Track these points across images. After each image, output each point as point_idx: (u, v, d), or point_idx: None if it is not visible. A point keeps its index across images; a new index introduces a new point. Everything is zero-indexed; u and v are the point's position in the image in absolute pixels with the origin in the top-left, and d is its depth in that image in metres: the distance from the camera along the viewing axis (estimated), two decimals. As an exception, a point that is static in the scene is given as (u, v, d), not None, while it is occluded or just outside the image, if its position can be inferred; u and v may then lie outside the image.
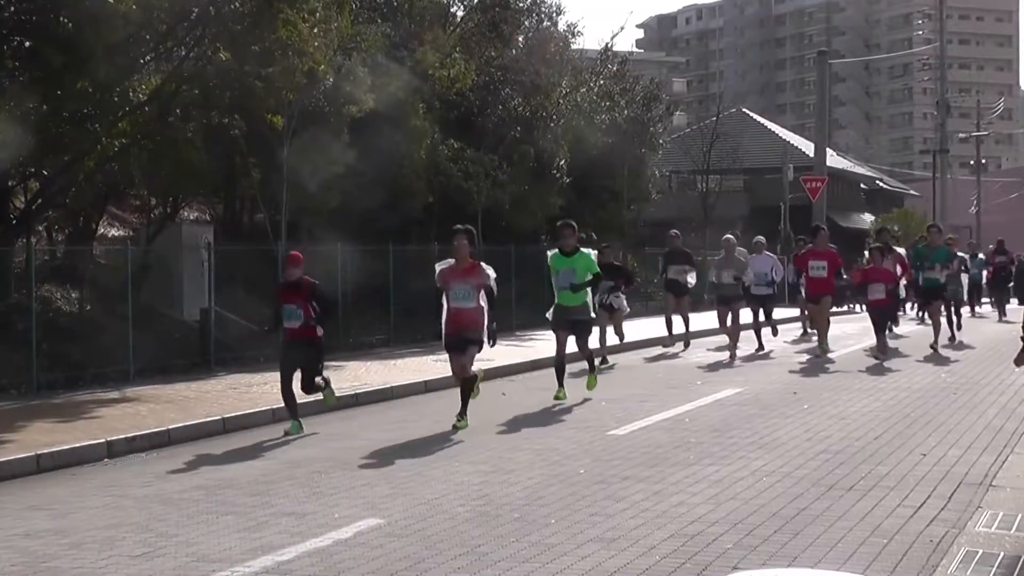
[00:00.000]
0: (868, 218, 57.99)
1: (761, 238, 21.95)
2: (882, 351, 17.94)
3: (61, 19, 15.27)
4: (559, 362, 14.12)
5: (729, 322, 19.73)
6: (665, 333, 21.67)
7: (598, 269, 14.18)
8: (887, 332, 18.94)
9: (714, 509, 7.88)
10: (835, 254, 19.70)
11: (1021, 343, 8.97)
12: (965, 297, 24.86)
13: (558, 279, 13.95)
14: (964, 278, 23.03)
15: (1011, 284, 33.21)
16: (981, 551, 6.64)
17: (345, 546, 7.10)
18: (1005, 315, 29.54)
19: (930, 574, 6.32)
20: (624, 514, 7.78)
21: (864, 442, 10.56)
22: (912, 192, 72.00)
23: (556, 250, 14.20)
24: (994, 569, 6.34)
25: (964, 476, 8.92)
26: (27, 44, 15.94)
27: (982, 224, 60.86)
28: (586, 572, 6.43)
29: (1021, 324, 9.15)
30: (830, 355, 19.02)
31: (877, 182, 67.30)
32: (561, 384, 13.96)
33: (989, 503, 7.95)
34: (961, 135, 72.90)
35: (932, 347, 19.42)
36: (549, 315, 14.41)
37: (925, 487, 8.54)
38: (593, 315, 14.78)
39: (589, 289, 14.13)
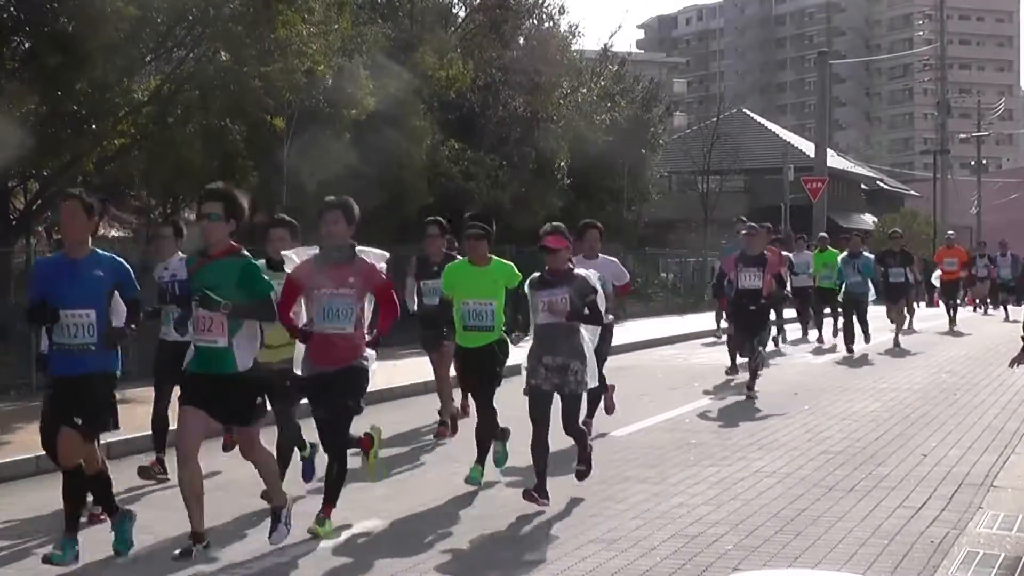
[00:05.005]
0: (869, 219, 57.97)
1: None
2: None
3: (60, 19, 15.24)
4: None
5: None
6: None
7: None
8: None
9: (715, 510, 7.87)
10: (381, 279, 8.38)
11: (1023, 343, 8.95)
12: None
13: None
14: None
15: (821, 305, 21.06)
16: (982, 552, 6.63)
17: (345, 547, 7.08)
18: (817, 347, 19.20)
19: (931, 575, 6.30)
20: (625, 515, 7.77)
21: (865, 443, 10.55)
22: (913, 192, 71.95)
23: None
24: (995, 570, 6.33)
25: (965, 477, 8.91)
26: (26, 44, 15.92)
27: (983, 224, 60.84)
28: (587, 573, 6.42)
29: (1023, 324, 9.13)
30: None
31: (878, 183, 67.27)
32: None
33: (990, 504, 7.94)
34: (962, 135, 72.80)
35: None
36: None
37: (926, 488, 8.52)
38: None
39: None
